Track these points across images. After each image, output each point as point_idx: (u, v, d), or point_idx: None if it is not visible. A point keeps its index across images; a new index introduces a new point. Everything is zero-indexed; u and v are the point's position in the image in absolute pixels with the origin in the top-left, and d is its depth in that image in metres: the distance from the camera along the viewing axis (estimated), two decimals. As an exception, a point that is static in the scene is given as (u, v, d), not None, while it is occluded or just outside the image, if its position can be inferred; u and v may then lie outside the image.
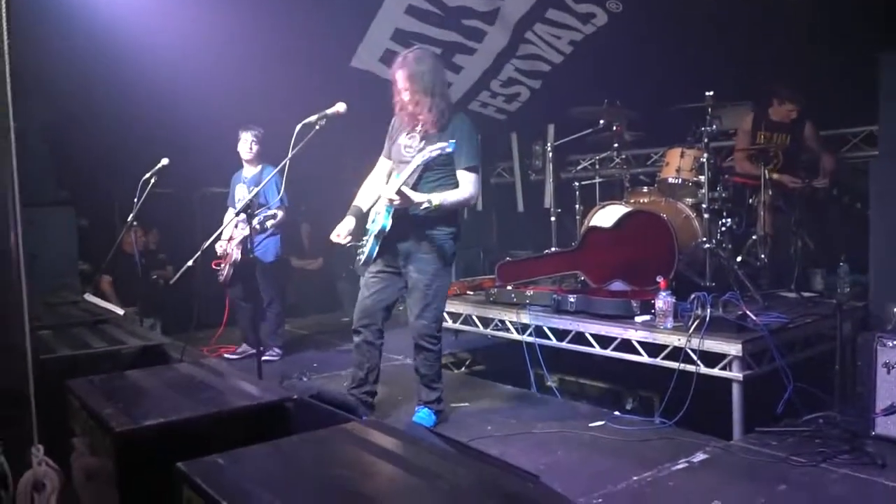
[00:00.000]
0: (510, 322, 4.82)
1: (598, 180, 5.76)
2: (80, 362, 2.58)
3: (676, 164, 5.07)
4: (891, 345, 3.37)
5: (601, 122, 5.46)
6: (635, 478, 3.14)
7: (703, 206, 4.73)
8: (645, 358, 4.06)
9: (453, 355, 5.59)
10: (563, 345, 4.50)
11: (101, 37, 5.36)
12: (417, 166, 3.58)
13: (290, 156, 3.51)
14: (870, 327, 4.14)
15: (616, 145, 5.57)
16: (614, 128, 5.51)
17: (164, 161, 4.81)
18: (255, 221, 4.72)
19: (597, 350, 4.32)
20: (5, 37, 2.13)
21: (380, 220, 3.69)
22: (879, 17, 4.76)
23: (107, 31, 5.35)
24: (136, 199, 4.80)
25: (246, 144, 5.58)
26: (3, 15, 2.12)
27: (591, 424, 3.89)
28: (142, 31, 5.42)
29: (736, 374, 3.65)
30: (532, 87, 7.39)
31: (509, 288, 5.02)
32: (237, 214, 4.46)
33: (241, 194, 5.63)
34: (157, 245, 7.03)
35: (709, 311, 3.84)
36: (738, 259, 4.97)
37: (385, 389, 4.28)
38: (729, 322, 3.83)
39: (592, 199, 5.61)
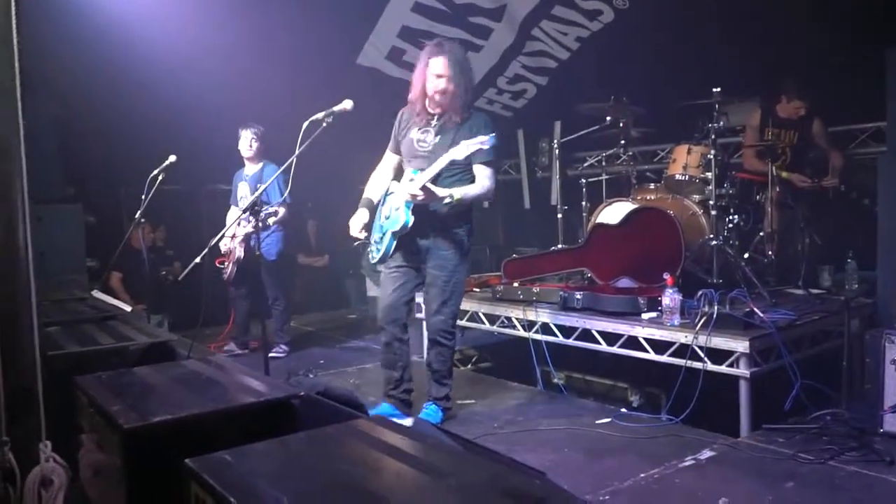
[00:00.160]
0: (517, 319, 4.81)
1: (604, 177, 5.74)
2: (87, 359, 2.58)
3: (683, 160, 5.04)
4: (899, 342, 3.35)
5: (608, 118, 5.45)
6: (642, 475, 3.14)
7: (711, 202, 4.70)
8: (652, 355, 4.05)
9: (460, 352, 5.58)
10: (570, 342, 4.50)
11: (109, 35, 5.37)
12: (451, 161, 3.55)
13: (297, 153, 3.51)
14: (878, 324, 4.13)
15: (623, 142, 5.54)
16: (621, 124, 5.49)
17: (172, 158, 4.83)
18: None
19: (603, 347, 4.31)
20: (14, 35, 2.14)
21: (400, 216, 3.67)
22: (887, 14, 4.73)
23: (115, 29, 5.37)
24: (143, 196, 4.82)
25: (246, 142, 5.59)
26: (13, 13, 2.13)
27: (597, 421, 3.90)
28: (150, 29, 5.43)
29: (743, 370, 3.63)
30: (538, 83, 7.39)
31: (516, 285, 5.02)
32: (243, 213, 4.47)
33: (243, 192, 5.65)
34: (165, 241, 7.07)
35: (716, 307, 3.84)
36: (746, 256, 4.95)
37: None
38: (736, 319, 3.82)
39: (599, 196, 5.59)
